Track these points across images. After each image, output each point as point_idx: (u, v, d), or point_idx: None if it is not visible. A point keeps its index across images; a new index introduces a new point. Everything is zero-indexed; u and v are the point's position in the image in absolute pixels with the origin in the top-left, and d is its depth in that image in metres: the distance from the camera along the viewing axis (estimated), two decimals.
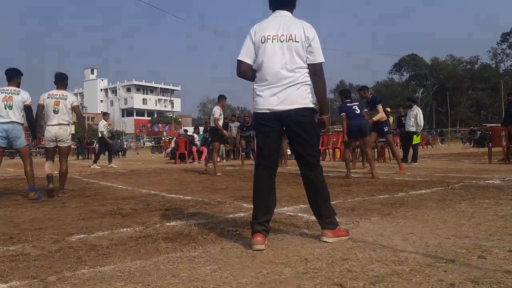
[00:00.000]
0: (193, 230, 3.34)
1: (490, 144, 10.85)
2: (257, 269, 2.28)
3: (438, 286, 1.91)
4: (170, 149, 17.72)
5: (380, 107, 8.18)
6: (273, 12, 2.97)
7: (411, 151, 11.55)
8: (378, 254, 2.48)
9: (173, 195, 5.79)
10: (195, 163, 14.50)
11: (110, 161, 13.36)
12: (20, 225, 3.84)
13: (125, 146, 26.20)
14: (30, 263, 2.49)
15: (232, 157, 16.50)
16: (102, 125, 13.28)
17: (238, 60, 2.93)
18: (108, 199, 5.52)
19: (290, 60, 2.79)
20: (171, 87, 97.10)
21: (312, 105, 2.86)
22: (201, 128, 18.97)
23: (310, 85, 2.88)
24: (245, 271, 2.24)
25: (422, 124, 11.24)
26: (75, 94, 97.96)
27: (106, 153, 13.57)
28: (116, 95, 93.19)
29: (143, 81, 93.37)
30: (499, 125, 12.96)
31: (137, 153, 33.33)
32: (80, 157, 22.99)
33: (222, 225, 3.52)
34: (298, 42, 2.79)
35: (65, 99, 6.01)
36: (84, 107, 79.00)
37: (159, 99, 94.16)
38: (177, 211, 4.36)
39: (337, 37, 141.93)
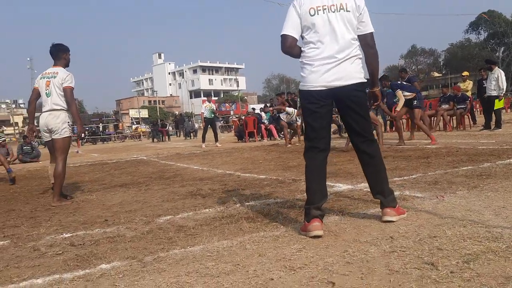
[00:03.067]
0: (272, 209, 3.40)
1: None
2: (342, 248, 2.28)
3: None
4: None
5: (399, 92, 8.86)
6: None
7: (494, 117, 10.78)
8: (469, 231, 2.37)
9: (247, 174, 5.91)
10: (264, 141, 14.64)
11: (216, 140, 13.53)
12: (112, 208, 4.14)
13: (196, 127, 26.99)
14: (126, 244, 2.69)
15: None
16: (203, 107, 13.66)
17: (283, 35, 2.69)
18: (187, 180, 5.76)
19: (344, 32, 2.61)
20: (235, 65, 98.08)
21: (365, 80, 2.71)
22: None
23: (361, 58, 2.71)
24: (330, 250, 2.25)
25: (505, 87, 10.41)
26: (147, 79, 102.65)
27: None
28: (183, 77, 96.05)
29: (208, 62, 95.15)
30: None
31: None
32: (155, 140, 24.11)
33: (300, 203, 3.54)
34: (349, 11, 2.61)
35: (55, 77, 4.66)
36: (154, 91, 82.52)
37: (224, 79, 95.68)
38: (254, 191, 4.45)
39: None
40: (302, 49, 2.73)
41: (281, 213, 3.25)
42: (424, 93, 54.62)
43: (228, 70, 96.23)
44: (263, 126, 14.99)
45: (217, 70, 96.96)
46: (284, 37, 2.69)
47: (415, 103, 8.55)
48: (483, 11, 60.10)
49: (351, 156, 7.12)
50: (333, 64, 2.60)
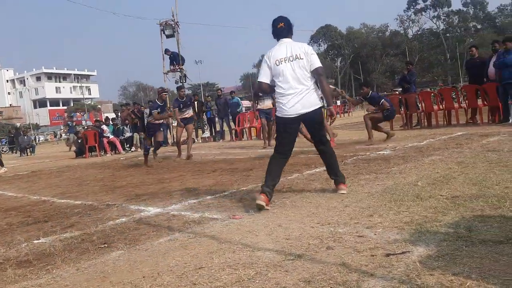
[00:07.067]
0: (59, 247, 3.12)
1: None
2: None
3: None
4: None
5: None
6: (278, 40, 3.89)
7: None
8: (234, 257, 2.45)
9: (63, 200, 5.45)
10: (107, 155, 13.87)
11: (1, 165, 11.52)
12: None
13: (38, 141, 24.39)
14: None
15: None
16: None
17: (259, 82, 3.89)
18: None
19: (301, 73, 3.72)
20: (86, 72, 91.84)
21: (321, 104, 3.88)
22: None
23: (315, 90, 3.82)
24: None
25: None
26: None
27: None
28: (24, 85, 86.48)
29: (54, 68, 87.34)
30: (397, 93, 13.71)
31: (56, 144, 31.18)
32: None
33: (95, 237, 3.33)
34: (302, 58, 3.73)
35: None
36: None
37: (74, 86, 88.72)
38: (57, 222, 4.09)
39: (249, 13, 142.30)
40: (275, 88, 3.84)
41: (65, 251, 3.00)
42: None
43: (78, 77, 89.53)
44: (105, 140, 14.19)
45: (65, 77, 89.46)
46: (259, 84, 3.93)
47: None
48: (321, 25, 66.95)
49: (183, 171, 7.11)
50: (299, 98, 3.71)
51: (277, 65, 3.75)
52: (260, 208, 3.49)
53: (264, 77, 3.86)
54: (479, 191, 3.32)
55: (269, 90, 3.98)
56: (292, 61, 3.73)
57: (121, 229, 3.48)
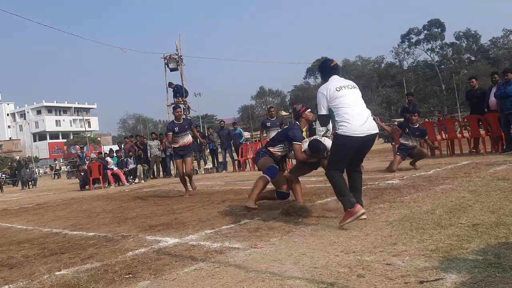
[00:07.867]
0: (84, 278, 3.12)
1: (393, 142, 11.59)
2: None
3: None
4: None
5: None
6: (328, 78, 4.18)
7: None
8: (265, 286, 2.47)
9: (76, 232, 5.44)
10: (111, 187, 13.87)
11: None
12: None
13: (38, 174, 24.32)
14: None
15: (152, 176, 16.06)
16: None
17: (321, 115, 4.08)
18: (1, 246, 5.04)
19: (360, 100, 4.07)
20: (86, 105, 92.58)
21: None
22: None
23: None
24: None
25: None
26: None
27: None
28: (25, 119, 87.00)
29: (54, 101, 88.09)
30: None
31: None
32: None
33: (117, 267, 3.33)
34: (357, 89, 4.14)
35: None
36: None
37: (74, 119, 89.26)
38: (74, 254, 4.08)
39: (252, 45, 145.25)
40: (336, 112, 3.98)
41: (90, 282, 3.00)
42: None
43: (78, 110, 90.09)
44: (109, 172, 14.21)
45: (65, 110, 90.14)
46: (322, 116, 4.10)
47: None
48: (317, 58, 68.19)
49: (192, 202, 7.12)
50: (365, 119, 3.94)
51: (337, 91, 4.00)
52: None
53: (324, 110, 4.06)
54: (498, 219, 3.37)
55: (327, 123, 4.25)
56: (351, 88, 4.08)
57: (143, 260, 3.49)
